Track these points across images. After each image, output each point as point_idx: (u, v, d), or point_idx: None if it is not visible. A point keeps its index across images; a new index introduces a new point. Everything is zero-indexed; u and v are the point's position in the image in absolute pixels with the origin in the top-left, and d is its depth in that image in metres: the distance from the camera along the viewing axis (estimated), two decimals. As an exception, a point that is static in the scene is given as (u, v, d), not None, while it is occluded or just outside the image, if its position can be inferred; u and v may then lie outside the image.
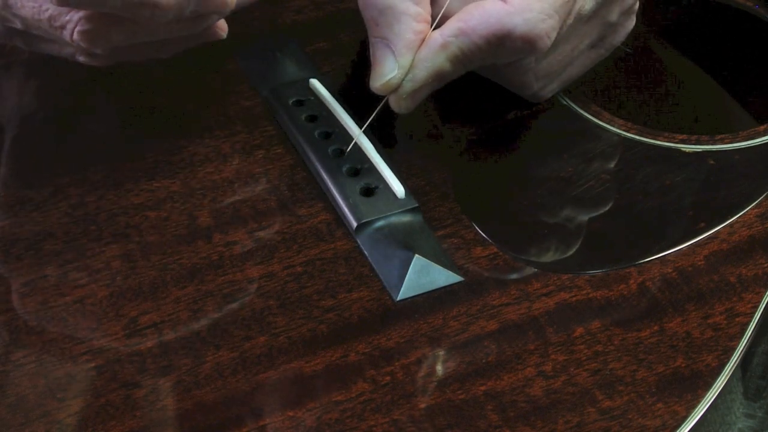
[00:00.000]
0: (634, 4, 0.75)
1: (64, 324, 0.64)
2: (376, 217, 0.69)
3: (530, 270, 0.68)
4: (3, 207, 0.70)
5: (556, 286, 0.67)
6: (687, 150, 0.74)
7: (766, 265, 0.68)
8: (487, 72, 0.76)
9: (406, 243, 0.68)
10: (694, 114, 0.94)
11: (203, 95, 0.77)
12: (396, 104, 0.70)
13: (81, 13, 0.67)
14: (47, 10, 0.67)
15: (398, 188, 0.70)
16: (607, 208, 0.71)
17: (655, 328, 0.65)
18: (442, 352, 0.64)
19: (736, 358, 0.64)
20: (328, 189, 0.70)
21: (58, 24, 0.67)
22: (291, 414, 0.61)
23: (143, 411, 0.61)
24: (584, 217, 0.71)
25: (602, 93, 0.85)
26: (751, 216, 0.70)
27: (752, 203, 0.71)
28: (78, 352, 0.63)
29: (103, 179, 0.71)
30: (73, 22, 0.67)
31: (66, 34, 0.68)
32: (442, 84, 0.70)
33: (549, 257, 0.69)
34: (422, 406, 0.61)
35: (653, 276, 0.67)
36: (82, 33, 0.67)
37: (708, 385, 0.62)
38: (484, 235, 0.69)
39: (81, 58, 0.71)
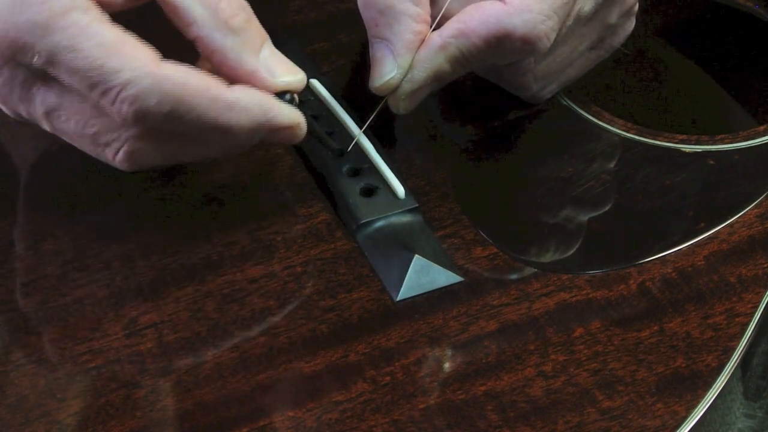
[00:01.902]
0: (634, 5, 0.75)
1: (64, 324, 0.64)
2: (376, 217, 0.69)
3: (530, 270, 0.68)
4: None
5: (556, 286, 0.67)
6: (687, 150, 0.74)
7: (766, 265, 0.68)
8: (486, 73, 0.76)
9: (406, 243, 0.68)
10: (694, 114, 0.94)
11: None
12: (395, 105, 0.70)
13: (132, 131, 0.63)
14: (94, 125, 0.64)
15: (398, 188, 0.70)
16: (607, 208, 0.71)
17: (655, 328, 0.65)
18: (442, 353, 0.64)
19: (736, 358, 0.64)
20: (328, 189, 0.70)
21: (102, 141, 0.64)
22: (291, 414, 0.61)
23: (143, 411, 0.61)
24: (584, 218, 0.71)
25: (602, 93, 0.85)
26: (751, 216, 0.70)
27: (752, 203, 0.71)
28: (78, 352, 0.63)
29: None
30: (120, 141, 0.64)
31: (108, 152, 0.64)
32: (441, 85, 0.70)
33: (549, 257, 0.69)
34: (422, 406, 0.61)
35: (653, 276, 0.67)
36: (129, 153, 0.64)
37: (708, 385, 0.62)
38: (484, 235, 0.69)
39: (116, 165, 0.66)
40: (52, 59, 0.61)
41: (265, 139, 0.66)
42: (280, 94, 0.65)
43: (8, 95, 0.64)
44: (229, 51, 0.64)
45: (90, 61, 0.60)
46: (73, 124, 0.64)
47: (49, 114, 0.64)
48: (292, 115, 0.65)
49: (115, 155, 0.64)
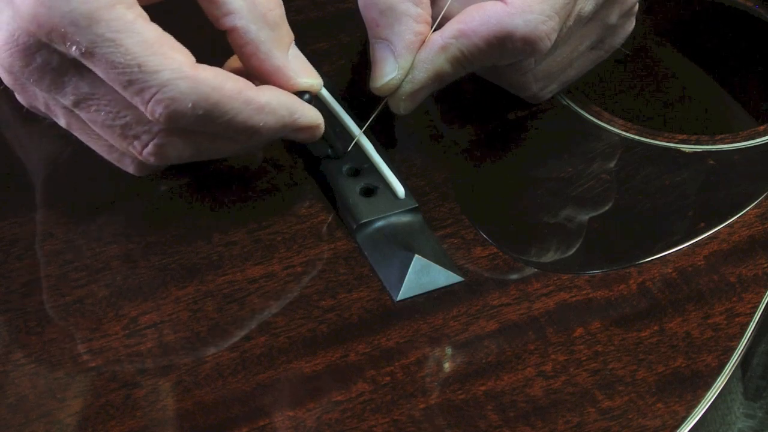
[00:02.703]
0: (634, 5, 0.75)
1: (64, 324, 0.64)
2: (376, 217, 0.69)
3: (530, 270, 0.68)
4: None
5: (556, 286, 0.67)
6: (687, 150, 0.74)
7: (766, 265, 0.68)
8: (486, 73, 0.76)
9: (406, 243, 0.68)
10: (694, 114, 0.94)
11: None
12: (395, 105, 0.70)
13: (163, 127, 0.63)
14: (125, 116, 0.63)
15: (398, 188, 0.70)
16: (607, 208, 0.71)
17: (655, 328, 0.65)
18: (442, 352, 0.64)
19: (736, 358, 0.64)
20: (328, 189, 0.70)
21: (132, 133, 0.64)
22: (291, 414, 0.61)
23: (143, 411, 0.61)
24: (584, 217, 0.71)
25: (602, 93, 0.85)
26: (751, 216, 0.70)
27: (752, 203, 0.71)
28: (78, 352, 0.63)
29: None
30: (151, 134, 0.63)
31: (137, 145, 0.64)
32: (442, 85, 0.70)
33: (549, 257, 0.69)
34: (422, 406, 0.61)
35: (653, 276, 0.67)
36: (158, 146, 0.64)
37: (708, 385, 0.62)
38: (484, 235, 0.69)
39: (130, 168, 0.67)
40: (91, 51, 0.60)
41: (286, 137, 0.67)
42: (300, 94, 0.66)
43: (38, 80, 0.64)
44: (261, 44, 0.65)
45: (129, 58, 0.60)
46: (103, 114, 0.64)
47: (79, 103, 0.64)
48: (313, 116, 0.67)
49: (144, 148, 0.64)
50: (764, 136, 0.75)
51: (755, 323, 0.65)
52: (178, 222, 0.69)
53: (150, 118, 0.62)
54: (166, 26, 0.62)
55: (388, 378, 0.62)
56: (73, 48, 0.61)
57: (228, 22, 0.64)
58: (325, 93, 0.75)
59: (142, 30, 0.61)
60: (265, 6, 0.65)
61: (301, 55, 0.67)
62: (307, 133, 0.67)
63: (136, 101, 0.61)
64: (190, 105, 0.61)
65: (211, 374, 0.62)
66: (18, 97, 0.66)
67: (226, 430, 0.60)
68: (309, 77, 0.67)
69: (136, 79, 0.61)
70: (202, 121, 0.62)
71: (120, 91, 0.62)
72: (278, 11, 0.65)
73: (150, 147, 0.64)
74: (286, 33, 0.66)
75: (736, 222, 0.70)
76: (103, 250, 0.68)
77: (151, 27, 0.61)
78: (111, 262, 0.67)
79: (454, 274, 0.67)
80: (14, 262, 0.67)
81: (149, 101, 0.61)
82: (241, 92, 0.63)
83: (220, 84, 0.62)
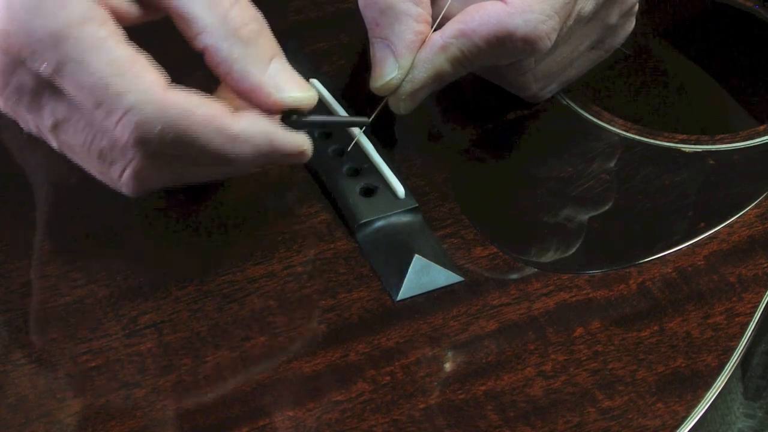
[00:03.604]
0: (634, 5, 0.75)
1: (64, 324, 0.64)
2: (376, 217, 0.69)
3: (530, 270, 0.68)
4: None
5: (556, 286, 0.67)
6: (687, 150, 0.74)
7: (766, 265, 0.68)
8: (486, 73, 0.76)
9: (406, 243, 0.68)
10: (694, 114, 0.94)
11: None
12: (395, 105, 0.70)
13: (136, 152, 0.61)
14: (101, 141, 0.61)
15: (398, 188, 0.70)
16: (607, 208, 0.71)
17: (655, 328, 0.65)
18: (442, 352, 0.64)
19: (736, 358, 0.64)
20: (328, 189, 0.70)
21: (108, 159, 0.62)
22: (291, 414, 0.61)
23: (143, 411, 0.61)
24: (584, 217, 0.71)
25: (602, 93, 0.85)
26: (751, 216, 0.70)
27: (752, 203, 0.71)
28: (78, 352, 0.63)
29: None
30: (125, 160, 0.61)
31: (114, 171, 0.62)
32: (442, 85, 0.70)
33: (549, 257, 0.69)
34: (422, 406, 0.61)
35: (653, 276, 0.67)
36: (134, 173, 0.62)
37: (708, 385, 0.62)
38: (484, 235, 0.69)
39: (123, 190, 0.64)
40: (59, 70, 0.59)
41: (272, 162, 0.65)
42: (289, 114, 0.64)
43: (18, 102, 0.63)
44: (235, 62, 0.62)
45: (96, 79, 0.59)
46: (81, 138, 0.62)
47: (57, 126, 0.63)
48: (297, 142, 0.64)
49: (121, 174, 0.63)
50: (764, 136, 0.75)
51: (755, 323, 0.65)
52: (177, 222, 0.69)
53: (120, 142, 0.60)
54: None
55: (388, 378, 0.62)
56: (44, 66, 0.59)
57: (199, 42, 0.62)
58: (325, 93, 0.75)
59: (113, 49, 0.59)
60: (238, 21, 0.62)
61: (289, 68, 0.64)
62: (292, 159, 0.65)
63: (106, 124, 0.60)
64: (157, 129, 0.59)
65: (211, 374, 0.62)
66: (17, 120, 0.65)
67: (226, 430, 0.60)
68: (295, 91, 0.63)
69: (103, 101, 0.59)
70: (173, 147, 0.60)
71: (91, 113, 0.60)
72: (253, 26, 0.63)
73: (126, 173, 0.62)
74: (266, 47, 0.63)
75: (736, 222, 0.70)
76: (103, 251, 0.68)
77: (123, 46, 0.59)
78: (111, 262, 0.67)
79: (454, 274, 0.67)
80: (14, 262, 0.67)
81: (117, 124, 0.59)
82: (214, 119, 0.60)
83: (191, 109, 0.60)
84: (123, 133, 0.59)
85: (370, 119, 0.70)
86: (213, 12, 0.61)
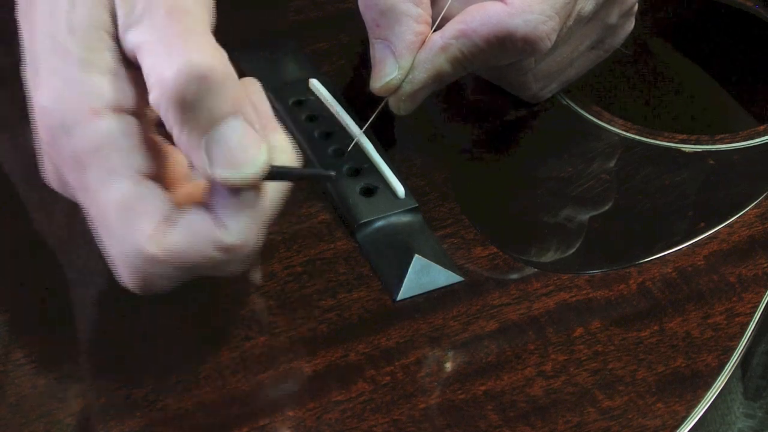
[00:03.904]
0: (634, 5, 0.75)
1: (64, 324, 0.64)
2: (376, 217, 0.69)
3: (530, 270, 0.68)
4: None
5: (556, 286, 0.67)
6: (687, 150, 0.74)
7: (766, 265, 0.68)
8: (486, 73, 0.76)
9: (406, 243, 0.68)
10: (694, 114, 0.94)
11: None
12: (395, 106, 0.70)
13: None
14: (125, 218, 0.57)
15: (398, 188, 0.70)
16: (607, 208, 0.71)
17: (655, 328, 0.65)
18: (442, 352, 0.64)
19: (736, 358, 0.64)
20: (328, 189, 0.70)
21: (110, 263, 0.58)
22: (291, 414, 0.61)
23: (143, 411, 0.61)
24: (584, 217, 0.71)
25: (602, 93, 0.85)
26: (751, 216, 0.70)
27: (752, 203, 0.71)
28: (78, 352, 0.63)
29: None
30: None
31: (119, 273, 0.58)
32: (442, 86, 0.70)
33: (549, 257, 0.69)
34: (422, 406, 0.61)
35: (653, 276, 0.67)
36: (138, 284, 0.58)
37: (708, 385, 0.62)
38: (484, 235, 0.69)
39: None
40: (73, 194, 0.59)
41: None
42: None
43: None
44: (172, 129, 0.56)
45: (101, 211, 0.57)
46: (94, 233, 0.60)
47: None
48: (241, 235, 0.58)
49: (125, 278, 0.59)
50: (764, 136, 0.75)
51: (755, 323, 0.65)
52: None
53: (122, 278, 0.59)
54: None
55: (388, 378, 0.62)
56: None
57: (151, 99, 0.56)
58: (325, 93, 0.75)
59: (119, 185, 0.57)
60: (177, 81, 0.54)
61: (237, 133, 0.55)
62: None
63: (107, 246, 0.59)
64: (155, 271, 0.57)
65: (211, 374, 0.62)
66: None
67: (226, 430, 0.60)
68: (225, 170, 0.55)
69: (101, 235, 0.58)
70: (174, 279, 0.58)
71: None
72: (192, 87, 0.54)
73: (128, 280, 0.59)
74: (210, 111, 0.55)
75: (736, 222, 0.70)
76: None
77: (128, 182, 0.56)
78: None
79: (454, 274, 0.67)
80: (15, 261, 0.67)
81: (117, 258, 0.58)
82: (207, 249, 0.57)
83: (184, 258, 0.57)
84: (123, 271, 0.58)
85: (334, 174, 0.61)
86: (154, 70, 0.56)
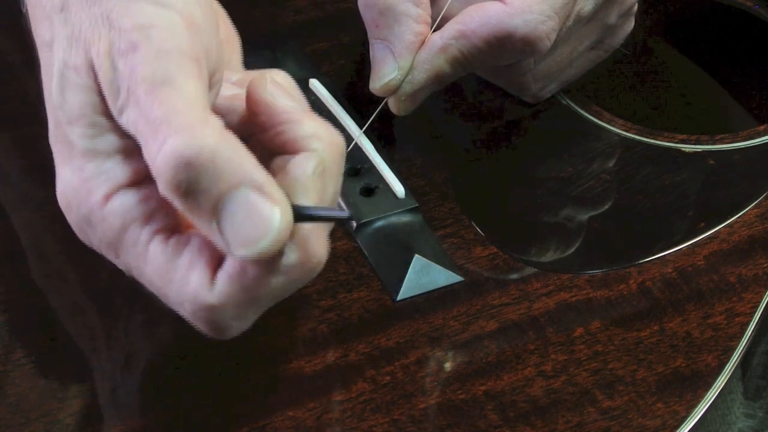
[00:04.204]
0: (633, 5, 0.75)
1: (64, 324, 0.64)
2: (376, 217, 0.69)
3: (530, 270, 0.68)
4: None
5: (556, 286, 0.67)
6: (687, 150, 0.74)
7: (766, 265, 0.68)
8: (485, 73, 0.76)
9: (406, 243, 0.68)
10: (694, 114, 0.94)
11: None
12: (395, 106, 0.70)
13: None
14: (170, 282, 0.55)
15: (398, 188, 0.70)
16: (607, 208, 0.71)
17: (655, 328, 0.65)
18: (442, 352, 0.64)
19: (736, 358, 0.64)
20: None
21: (178, 300, 0.56)
22: (291, 414, 0.61)
23: (143, 411, 0.61)
24: (584, 217, 0.71)
25: (602, 93, 0.85)
26: (751, 216, 0.70)
27: (752, 203, 0.71)
28: (78, 352, 0.63)
29: None
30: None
31: (186, 311, 0.56)
32: (441, 86, 0.70)
33: (549, 257, 0.69)
34: (422, 406, 0.61)
35: (653, 276, 0.67)
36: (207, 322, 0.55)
37: (708, 385, 0.62)
38: (484, 235, 0.69)
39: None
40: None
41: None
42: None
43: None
44: (184, 212, 0.54)
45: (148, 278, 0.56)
46: (153, 272, 0.57)
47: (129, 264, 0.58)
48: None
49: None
50: (764, 136, 0.75)
51: (755, 323, 0.65)
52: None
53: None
54: None
55: (388, 378, 0.62)
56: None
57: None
58: (325, 93, 0.75)
59: (153, 257, 0.55)
60: (167, 173, 0.51)
61: (243, 209, 0.52)
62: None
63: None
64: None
65: (211, 374, 0.62)
66: None
67: (226, 429, 0.60)
68: (240, 248, 0.52)
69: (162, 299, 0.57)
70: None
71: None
72: (182, 176, 0.51)
73: (206, 332, 0.57)
74: (209, 194, 0.51)
75: (736, 222, 0.70)
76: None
77: (159, 248, 0.55)
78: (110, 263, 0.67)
79: (454, 274, 0.67)
80: (15, 261, 0.67)
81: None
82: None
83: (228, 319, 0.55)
84: (198, 326, 0.56)
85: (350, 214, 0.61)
86: (148, 159, 0.53)
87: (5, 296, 0.66)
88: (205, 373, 0.62)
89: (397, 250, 0.67)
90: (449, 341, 0.64)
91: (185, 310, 0.55)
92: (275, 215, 0.52)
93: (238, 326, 0.56)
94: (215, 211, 0.51)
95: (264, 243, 0.51)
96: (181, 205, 0.52)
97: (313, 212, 0.54)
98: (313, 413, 0.61)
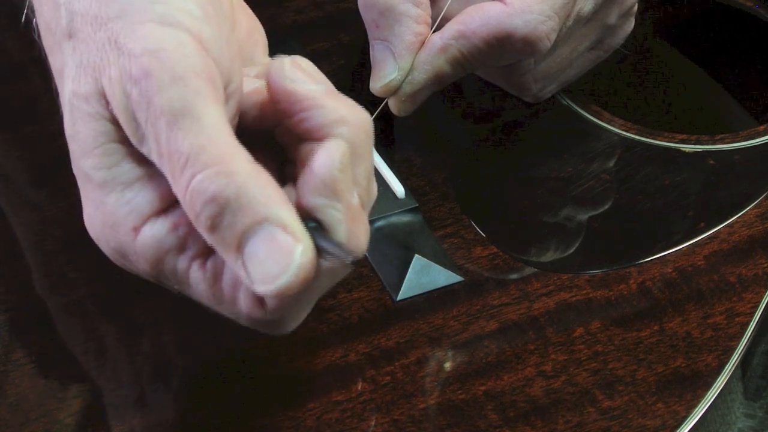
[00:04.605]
0: (633, 5, 0.75)
1: (64, 323, 0.64)
2: (376, 217, 0.69)
3: (530, 270, 0.68)
4: None
5: (556, 286, 0.67)
6: (687, 150, 0.74)
7: (766, 265, 0.68)
8: (485, 73, 0.76)
9: (406, 243, 0.68)
10: (694, 114, 0.94)
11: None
12: (395, 107, 0.70)
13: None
14: (220, 302, 0.55)
15: (398, 188, 0.70)
16: (607, 208, 0.71)
17: (655, 328, 0.65)
18: (442, 352, 0.64)
19: (736, 358, 0.64)
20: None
21: (232, 315, 0.55)
22: (291, 414, 0.61)
23: (144, 411, 0.61)
24: (584, 217, 0.71)
25: (602, 93, 0.85)
26: (751, 216, 0.70)
27: (752, 203, 0.71)
28: (78, 352, 0.63)
29: None
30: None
31: (243, 323, 0.56)
32: (441, 86, 0.70)
33: (549, 257, 0.69)
34: (422, 406, 0.61)
35: (653, 276, 0.67)
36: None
37: (708, 385, 0.62)
38: (484, 235, 0.69)
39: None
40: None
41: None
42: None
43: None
44: (214, 247, 0.53)
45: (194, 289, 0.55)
46: (202, 288, 0.56)
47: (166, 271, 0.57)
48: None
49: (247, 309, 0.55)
50: (764, 136, 0.75)
51: (755, 323, 0.65)
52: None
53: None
54: None
55: (388, 378, 0.62)
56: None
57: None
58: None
59: (195, 286, 0.55)
60: (193, 209, 0.51)
61: (273, 237, 0.51)
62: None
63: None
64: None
65: (211, 375, 0.62)
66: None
67: (226, 429, 0.60)
68: (262, 284, 0.52)
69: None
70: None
71: None
72: (206, 213, 0.51)
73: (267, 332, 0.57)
74: (233, 229, 0.51)
75: (736, 222, 0.70)
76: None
77: (198, 275, 0.55)
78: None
79: (454, 274, 0.67)
80: (15, 261, 0.67)
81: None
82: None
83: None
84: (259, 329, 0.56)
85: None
86: (175, 191, 0.53)
87: (5, 296, 0.66)
88: (205, 373, 0.62)
89: (397, 250, 0.67)
90: (449, 341, 0.64)
91: (242, 322, 0.55)
92: (296, 251, 0.51)
93: (295, 322, 0.56)
94: (239, 247, 0.51)
95: (283, 279, 0.51)
96: (209, 239, 0.52)
97: (325, 247, 0.53)
98: (313, 413, 0.61)
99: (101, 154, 0.54)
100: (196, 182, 0.51)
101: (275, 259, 0.51)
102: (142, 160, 0.54)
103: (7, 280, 0.66)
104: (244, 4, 0.61)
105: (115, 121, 0.54)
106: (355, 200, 0.54)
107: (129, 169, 0.54)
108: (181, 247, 0.54)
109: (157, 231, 0.54)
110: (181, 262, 0.55)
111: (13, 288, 0.66)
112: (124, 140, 0.54)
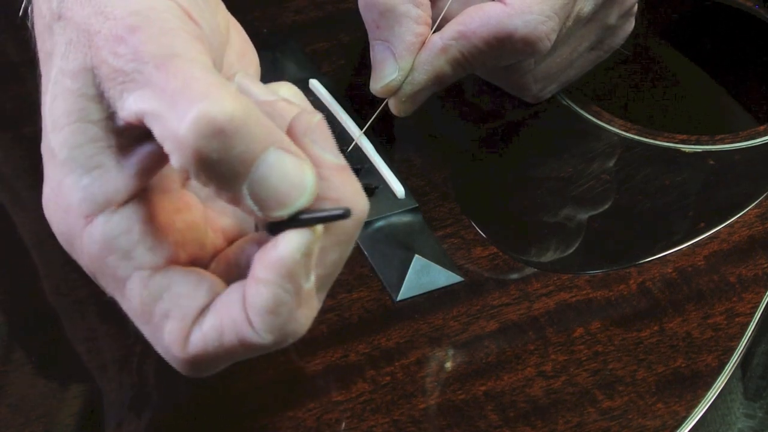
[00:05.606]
0: (633, 6, 0.75)
1: (64, 324, 0.64)
2: (376, 217, 0.69)
3: (530, 270, 0.68)
4: None
5: (556, 286, 0.67)
6: (687, 150, 0.74)
7: (766, 265, 0.68)
8: (485, 74, 0.76)
9: (406, 243, 0.68)
10: (694, 114, 0.94)
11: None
12: (396, 107, 0.70)
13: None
14: (146, 323, 0.53)
15: (398, 188, 0.70)
16: (607, 208, 0.71)
17: (655, 328, 0.65)
18: (442, 352, 0.64)
19: (736, 358, 0.64)
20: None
21: (151, 340, 0.54)
22: (291, 414, 0.61)
23: (144, 411, 0.61)
24: (584, 217, 0.71)
25: (602, 93, 0.85)
26: (751, 216, 0.70)
27: (752, 203, 0.71)
28: (79, 352, 0.63)
29: None
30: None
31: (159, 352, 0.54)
32: (442, 87, 0.70)
33: (549, 257, 0.69)
34: (422, 406, 0.61)
35: (653, 276, 0.67)
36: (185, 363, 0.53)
37: (708, 385, 0.62)
38: (484, 235, 0.69)
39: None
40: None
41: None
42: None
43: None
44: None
45: (134, 309, 0.53)
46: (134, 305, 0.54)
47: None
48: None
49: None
50: (764, 136, 0.75)
51: (755, 323, 0.65)
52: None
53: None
54: None
55: (388, 378, 0.62)
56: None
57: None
58: (324, 93, 0.75)
59: (131, 292, 0.53)
60: (195, 143, 0.48)
61: (283, 157, 0.50)
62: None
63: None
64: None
65: (210, 375, 0.62)
66: None
67: (226, 429, 0.60)
68: (274, 210, 0.50)
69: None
70: None
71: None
72: (214, 144, 0.48)
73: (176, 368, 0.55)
74: (243, 154, 0.49)
75: (736, 222, 0.70)
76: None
77: (139, 284, 0.52)
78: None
79: (454, 274, 0.67)
80: (15, 262, 0.67)
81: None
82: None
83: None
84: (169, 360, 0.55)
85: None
86: (166, 136, 0.50)
87: (5, 296, 0.66)
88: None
89: (397, 250, 0.67)
90: (449, 341, 0.64)
91: (158, 350, 0.53)
92: (307, 172, 0.50)
93: (210, 371, 0.54)
94: (246, 175, 0.49)
95: (302, 201, 0.50)
96: (209, 175, 0.49)
97: (308, 216, 0.51)
98: (313, 413, 0.61)
99: (70, 131, 0.52)
100: (197, 113, 0.48)
101: (289, 181, 0.50)
102: (108, 147, 0.52)
103: (7, 280, 0.66)
104: (240, 27, 0.60)
105: (94, 100, 0.52)
106: (309, 284, 0.52)
107: (92, 153, 0.52)
108: (128, 254, 0.52)
109: (109, 228, 0.52)
110: (123, 269, 0.52)
111: (13, 288, 0.66)
112: (97, 122, 0.52)
